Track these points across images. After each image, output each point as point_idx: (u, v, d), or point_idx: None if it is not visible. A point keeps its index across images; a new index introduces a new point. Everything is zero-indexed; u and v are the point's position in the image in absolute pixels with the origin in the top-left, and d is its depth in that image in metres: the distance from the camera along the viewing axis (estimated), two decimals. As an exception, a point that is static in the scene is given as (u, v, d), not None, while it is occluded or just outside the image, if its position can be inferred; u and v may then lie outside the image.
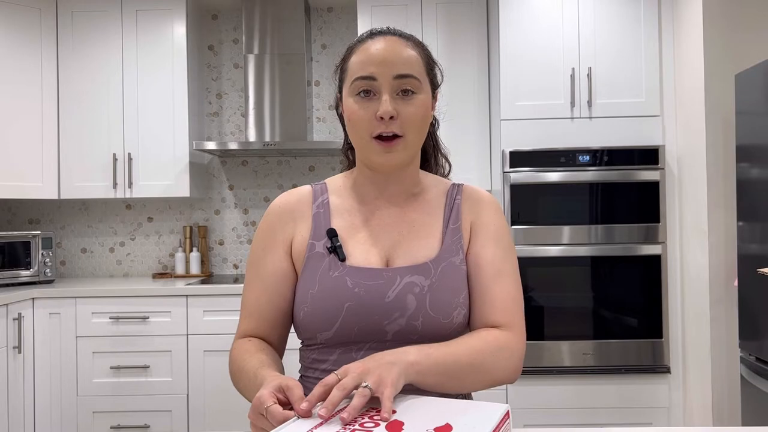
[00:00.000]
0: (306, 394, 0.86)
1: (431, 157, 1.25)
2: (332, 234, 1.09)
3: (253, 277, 1.13)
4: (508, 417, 0.85)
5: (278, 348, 1.15)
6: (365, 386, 0.82)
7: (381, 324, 1.04)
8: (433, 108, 1.14)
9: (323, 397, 0.82)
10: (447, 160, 1.27)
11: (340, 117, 1.14)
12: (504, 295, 1.08)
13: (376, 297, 1.04)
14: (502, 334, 1.04)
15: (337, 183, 1.19)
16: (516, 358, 1.04)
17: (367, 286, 1.05)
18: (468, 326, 1.11)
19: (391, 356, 0.91)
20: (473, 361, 0.99)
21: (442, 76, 1.16)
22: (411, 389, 0.96)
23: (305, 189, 1.18)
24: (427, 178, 1.20)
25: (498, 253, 1.10)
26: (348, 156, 1.24)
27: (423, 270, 1.06)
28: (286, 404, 0.86)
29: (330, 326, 1.05)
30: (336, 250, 1.08)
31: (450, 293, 1.06)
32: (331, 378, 0.84)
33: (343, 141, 1.24)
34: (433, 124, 1.22)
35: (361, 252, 1.09)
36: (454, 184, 1.19)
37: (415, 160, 1.14)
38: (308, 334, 1.09)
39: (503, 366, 1.02)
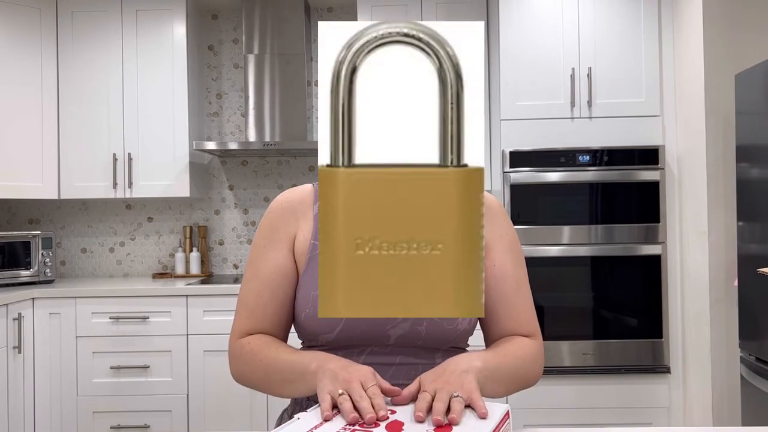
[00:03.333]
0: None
1: None
2: None
3: (254, 275, 1.10)
4: (508, 417, 0.85)
5: None
6: (457, 396, 0.85)
7: (384, 328, 1.03)
8: None
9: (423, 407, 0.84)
10: None
11: None
12: (526, 306, 1.11)
13: None
14: (533, 342, 1.08)
15: None
16: (542, 365, 1.09)
17: None
18: (472, 332, 1.11)
19: (462, 365, 0.92)
20: (518, 369, 1.02)
21: None
22: None
23: (307, 187, 1.16)
24: None
25: (516, 265, 1.12)
26: None
27: None
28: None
29: (332, 329, 1.03)
30: None
31: None
32: (427, 395, 0.85)
33: None
34: None
35: None
36: None
37: None
38: (310, 336, 1.07)
39: (535, 373, 1.07)
